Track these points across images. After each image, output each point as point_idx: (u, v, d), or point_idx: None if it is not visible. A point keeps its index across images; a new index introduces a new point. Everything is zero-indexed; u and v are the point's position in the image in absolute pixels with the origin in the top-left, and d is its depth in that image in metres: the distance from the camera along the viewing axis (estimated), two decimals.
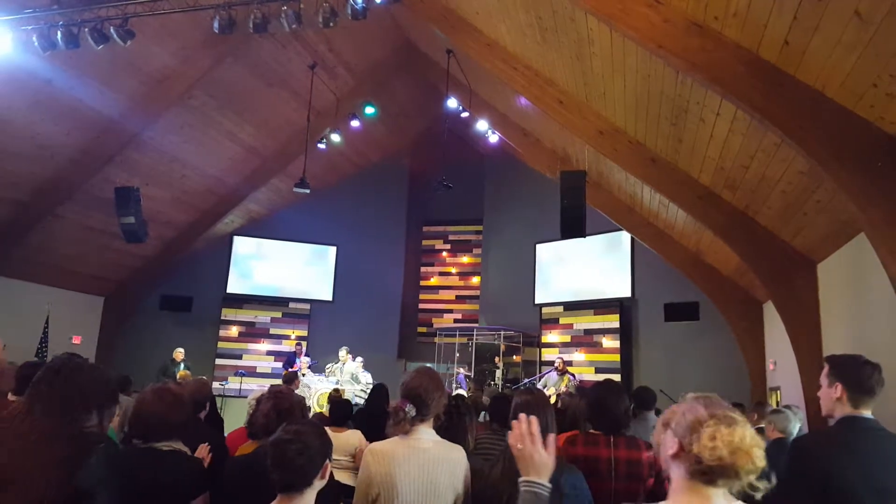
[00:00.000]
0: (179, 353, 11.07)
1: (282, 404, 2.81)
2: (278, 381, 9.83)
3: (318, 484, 2.03)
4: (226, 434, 4.76)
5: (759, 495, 1.44)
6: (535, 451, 1.83)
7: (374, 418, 5.58)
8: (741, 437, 1.40)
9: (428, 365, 9.67)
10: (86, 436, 1.79)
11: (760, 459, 1.41)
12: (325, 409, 6.10)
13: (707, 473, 1.42)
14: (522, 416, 1.90)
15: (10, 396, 3.21)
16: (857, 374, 2.46)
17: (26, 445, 1.70)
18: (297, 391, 8.16)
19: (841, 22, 3.79)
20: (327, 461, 2.06)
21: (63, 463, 1.68)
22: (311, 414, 6.26)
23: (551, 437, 1.92)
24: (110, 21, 6.74)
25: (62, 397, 1.83)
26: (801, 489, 2.38)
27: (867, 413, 2.44)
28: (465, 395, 8.13)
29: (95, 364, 2.05)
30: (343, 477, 4.46)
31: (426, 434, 2.49)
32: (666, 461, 1.50)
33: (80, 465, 1.69)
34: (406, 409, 2.45)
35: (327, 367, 11.71)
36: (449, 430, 2.91)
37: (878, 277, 4.98)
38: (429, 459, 2.41)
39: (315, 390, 10.69)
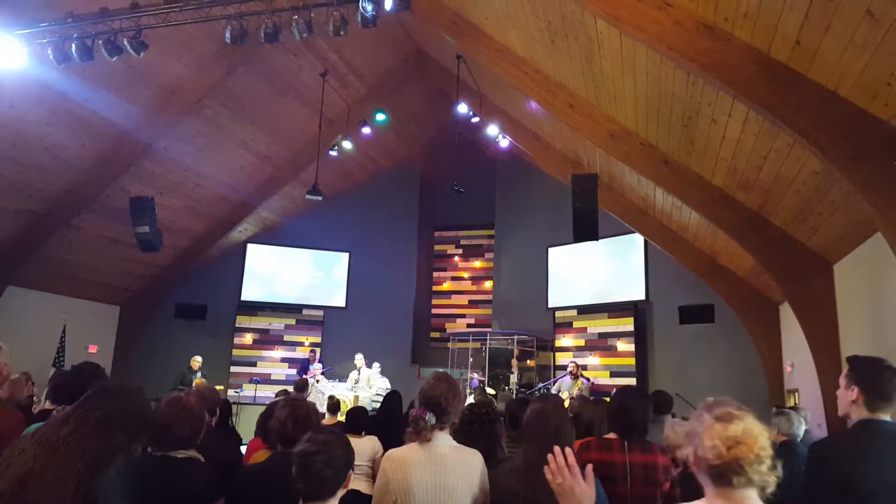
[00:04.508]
0: (196, 362, 11.28)
1: (298, 412, 2.83)
2: (292, 389, 9.88)
3: (341, 493, 2.08)
4: (246, 443, 4.80)
5: (770, 489, 1.43)
6: (576, 483, 1.73)
7: (387, 425, 5.59)
8: (736, 431, 1.41)
9: (442, 371, 9.62)
10: (110, 453, 1.83)
11: (764, 449, 1.41)
12: (328, 417, 6.22)
13: (720, 475, 1.42)
14: (557, 448, 1.80)
15: (48, 404, 3.36)
16: (875, 379, 2.39)
17: (48, 455, 1.74)
18: (310, 398, 8.21)
19: (853, 21, 3.76)
20: (350, 472, 2.10)
21: (78, 476, 1.72)
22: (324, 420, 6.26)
23: (589, 467, 1.80)
24: (123, 33, 6.82)
25: (105, 416, 1.88)
26: (821, 493, 2.34)
27: (885, 416, 2.38)
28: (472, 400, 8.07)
29: (142, 390, 2.11)
30: (358, 485, 4.45)
31: (443, 440, 2.50)
32: (696, 472, 1.51)
33: (96, 480, 1.73)
34: (426, 418, 2.45)
35: (350, 374, 11.79)
36: (479, 438, 2.90)
37: (895, 277, 4.92)
38: (444, 465, 2.42)
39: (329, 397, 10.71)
